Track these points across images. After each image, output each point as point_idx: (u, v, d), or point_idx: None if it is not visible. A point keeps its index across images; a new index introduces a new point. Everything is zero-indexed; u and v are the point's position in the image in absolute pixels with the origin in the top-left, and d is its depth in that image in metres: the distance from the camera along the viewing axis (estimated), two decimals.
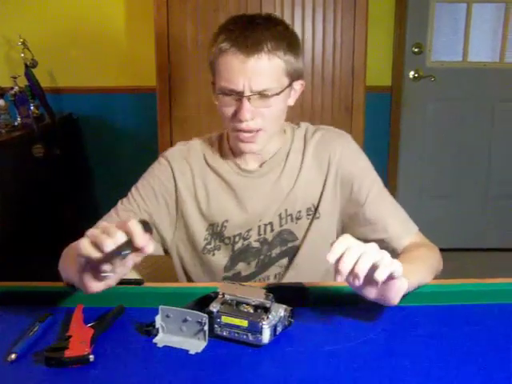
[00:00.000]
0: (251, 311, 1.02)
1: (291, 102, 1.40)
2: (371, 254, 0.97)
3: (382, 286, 1.02)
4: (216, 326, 1.02)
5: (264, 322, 0.98)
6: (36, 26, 3.46)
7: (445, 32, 3.63)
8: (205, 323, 1.00)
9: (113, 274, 0.97)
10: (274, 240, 1.43)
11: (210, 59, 1.35)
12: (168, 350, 1.00)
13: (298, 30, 2.91)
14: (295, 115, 2.99)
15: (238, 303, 1.04)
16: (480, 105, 3.66)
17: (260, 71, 1.27)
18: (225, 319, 1.01)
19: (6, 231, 2.73)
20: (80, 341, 0.97)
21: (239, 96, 1.29)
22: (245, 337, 1.00)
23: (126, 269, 0.99)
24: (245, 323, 0.99)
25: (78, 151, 3.68)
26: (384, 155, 3.71)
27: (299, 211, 1.43)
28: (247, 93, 1.28)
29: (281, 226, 1.43)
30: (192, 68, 2.96)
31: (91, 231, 0.96)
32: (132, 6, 3.48)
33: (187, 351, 0.99)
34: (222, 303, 1.04)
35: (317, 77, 2.98)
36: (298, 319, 1.06)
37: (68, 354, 0.94)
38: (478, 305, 1.15)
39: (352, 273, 0.95)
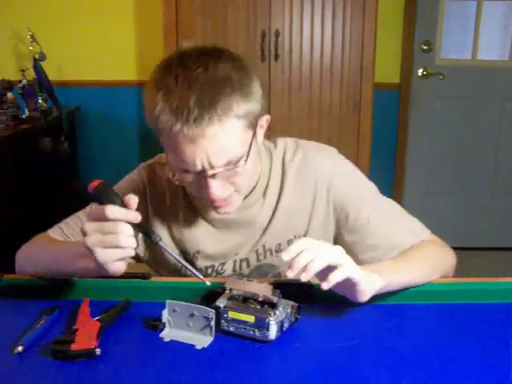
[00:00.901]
0: (258, 307, 1.02)
1: (260, 139, 1.21)
2: (329, 255, 0.98)
3: (343, 287, 1.02)
4: (223, 321, 1.02)
5: (271, 318, 0.98)
6: (45, 20, 3.47)
7: (454, 30, 3.62)
8: (212, 318, 1.00)
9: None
10: (252, 274, 1.32)
11: (149, 120, 1.11)
12: (174, 344, 1.00)
13: (306, 26, 2.91)
14: (303, 112, 3.00)
15: (245, 299, 1.03)
16: (488, 103, 3.64)
17: (217, 145, 1.06)
18: (231, 314, 1.01)
19: (12, 223, 2.74)
20: (87, 334, 0.97)
21: (200, 175, 1.11)
22: (251, 332, 1.00)
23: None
24: (252, 319, 0.99)
25: (84, 144, 3.69)
26: (391, 153, 3.70)
27: (279, 244, 1.30)
28: (209, 172, 1.09)
29: (258, 261, 1.32)
30: None
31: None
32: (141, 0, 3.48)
33: (194, 346, 0.99)
34: (229, 298, 1.04)
35: (325, 73, 2.97)
36: (305, 316, 1.06)
37: (74, 347, 0.94)
38: (485, 304, 1.14)
39: (304, 268, 0.96)
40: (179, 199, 1.31)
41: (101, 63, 3.57)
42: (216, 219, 1.29)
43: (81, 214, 1.36)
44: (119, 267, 1.01)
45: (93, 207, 1.02)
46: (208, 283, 1.06)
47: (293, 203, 1.28)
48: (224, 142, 1.06)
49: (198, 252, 1.31)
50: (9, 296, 1.19)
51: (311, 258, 0.97)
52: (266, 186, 1.29)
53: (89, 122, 3.67)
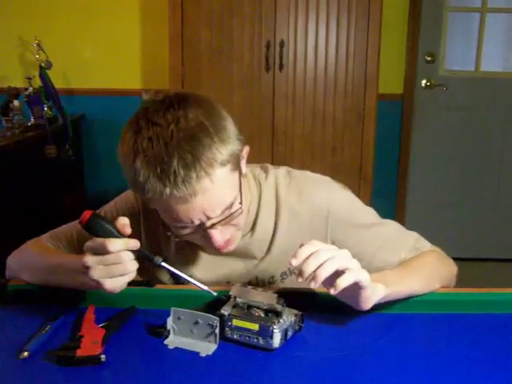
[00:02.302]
0: (262, 315, 1.02)
1: (244, 171, 1.18)
2: (337, 260, 0.98)
3: (349, 292, 1.02)
4: (227, 329, 1.02)
5: (275, 326, 0.98)
6: (51, 28, 3.50)
7: (458, 41, 3.64)
8: (216, 326, 1.00)
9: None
10: None
11: (133, 188, 1.09)
12: (179, 351, 1.00)
13: (311, 36, 2.93)
14: (307, 122, 3.02)
15: (250, 307, 1.04)
16: (492, 115, 3.65)
17: (210, 198, 1.04)
18: (236, 322, 1.01)
19: (16, 229, 2.75)
20: (92, 341, 0.98)
21: (199, 228, 1.10)
22: (255, 340, 1.00)
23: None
24: (256, 327, 1.00)
25: (89, 152, 3.70)
26: (394, 162, 3.70)
27: (272, 276, 1.29)
28: (208, 224, 1.08)
29: None
30: (205, 71, 2.98)
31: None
32: (146, 8, 3.51)
33: (198, 353, 0.99)
34: (234, 306, 1.05)
35: (329, 83, 2.99)
36: (309, 324, 1.06)
37: (80, 353, 0.95)
38: (488, 314, 1.14)
39: (312, 275, 0.96)
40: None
41: (106, 71, 3.59)
42: (206, 252, 1.28)
43: (76, 223, 1.35)
44: (123, 287, 1.04)
45: (90, 242, 1.01)
46: (215, 294, 1.07)
47: (289, 240, 1.26)
48: (216, 193, 1.05)
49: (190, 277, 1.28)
50: (14, 302, 1.19)
51: (319, 262, 0.96)
52: (256, 217, 1.26)
53: (94, 130, 3.69)
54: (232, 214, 1.10)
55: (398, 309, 1.14)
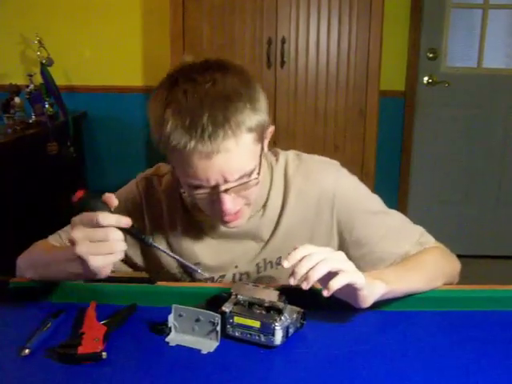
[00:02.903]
0: (264, 312, 1.02)
1: (266, 151, 1.21)
2: (330, 261, 0.98)
3: (346, 293, 1.02)
4: (228, 326, 1.02)
5: (276, 324, 0.98)
6: (52, 25, 3.50)
7: (460, 38, 3.63)
8: (217, 323, 1.00)
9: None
10: None
11: (157, 137, 1.10)
12: (180, 349, 1.00)
13: (313, 33, 2.93)
14: (309, 119, 3.01)
15: (251, 304, 1.04)
16: (494, 111, 3.64)
17: (232, 160, 1.06)
18: (237, 319, 1.01)
19: (18, 227, 2.75)
20: (93, 338, 0.98)
21: (213, 190, 1.10)
22: (257, 338, 1.00)
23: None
24: (257, 324, 1.00)
25: (91, 149, 3.70)
26: (396, 160, 3.70)
27: (279, 257, 1.28)
28: (223, 187, 1.09)
29: (258, 273, 1.31)
30: None
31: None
32: (148, 5, 3.50)
33: (199, 351, 0.99)
34: (235, 303, 1.04)
35: (331, 80, 2.98)
36: (310, 321, 1.06)
37: (81, 350, 0.95)
38: (490, 311, 1.14)
39: (304, 276, 0.97)
40: (177, 211, 1.30)
41: (107, 68, 3.59)
42: (215, 231, 1.28)
43: None
44: (108, 270, 1.02)
45: (80, 215, 1.00)
46: (206, 275, 1.06)
47: (295, 220, 1.27)
48: (238, 156, 1.06)
49: (198, 264, 1.28)
50: (16, 299, 1.19)
51: (312, 265, 0.97)
52: (267, 199, 1.27)
53: (95, 127, 3.68)
54: (248, 182, 1.11)
55: (400, 306, 1.14)
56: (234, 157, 1.05)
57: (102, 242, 0.98)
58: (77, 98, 3.59)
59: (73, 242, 0.99)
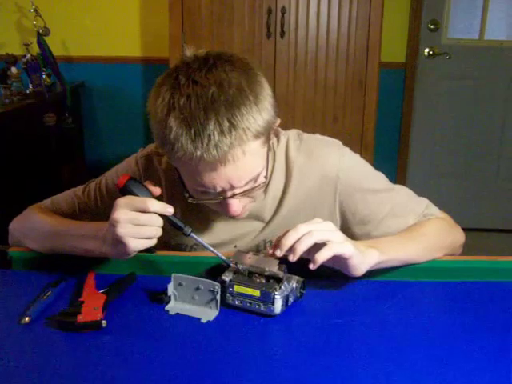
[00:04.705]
0: (264, 281, 1.02)
1: (271, 142, 1.19)
2: (316, 233, 0.98)
3: (337, 263, 1.02)
4: (228, 295, 1.02)
5: (276, 293, 0.98)
6: None
7: (462, 9, 3.57)
8: (217, 292, 1.00)
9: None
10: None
11: (160, 141, 1.06)
12: (180, 318, 1.01)
13: (313, 3, 2.89)
14: (308, 90, 2.99)
15: (251, 273, 1.04)
16: (495, 84, 3.61)
17: (238, 169, 1.03)
18: (237, 288, 1.01)
19: (15, 197, 2.74)
20: (92, 307, 0.98)
21: (220, 195, 1.09)
22: (257, 307, 1.00)
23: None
24: (257, 293, 1.00)
25: (89, 120, 3.68)
26: (396, 132, 3.68)
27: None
28: (229, 193, 1.07)
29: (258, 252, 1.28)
30: (206, 39, 2.94)
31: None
32: None
33: (199, 319, 0.99)
34: (235, 272, 1.04)
35: (331, 51, 2.95)
36: (310, 291, 1.07)
37: (80, 318, 0.95)
38: (489, 282, 1.14)
39: (291, 248, 0.97)
40: (177, 192, 1.27)
41: (105, 39, 3.54)
42: (215, 212, 1.24)
43: (78, 190, 1.36)
44: (136, 253, 1.04)
45: (126, 198, 1.02)
46: (233, 265, 1.06)
47: (297, 201, 1.26)
48: (245, 165, 1.04)
49: (196, 244, 1.28)
50: (16, 268, 1.20)
51: (298, 236, 0.97)
52: (270, 179, 1.25)
53: (93, 98, 3.66)
54: (255, 187, 1.10)
55: (399, 276, 1.14)
56: (241, 165, 1.03)
57: (145, 226, 1.00)
58: (74, 68, 3.56)
59: (116, 222, 0.99)
